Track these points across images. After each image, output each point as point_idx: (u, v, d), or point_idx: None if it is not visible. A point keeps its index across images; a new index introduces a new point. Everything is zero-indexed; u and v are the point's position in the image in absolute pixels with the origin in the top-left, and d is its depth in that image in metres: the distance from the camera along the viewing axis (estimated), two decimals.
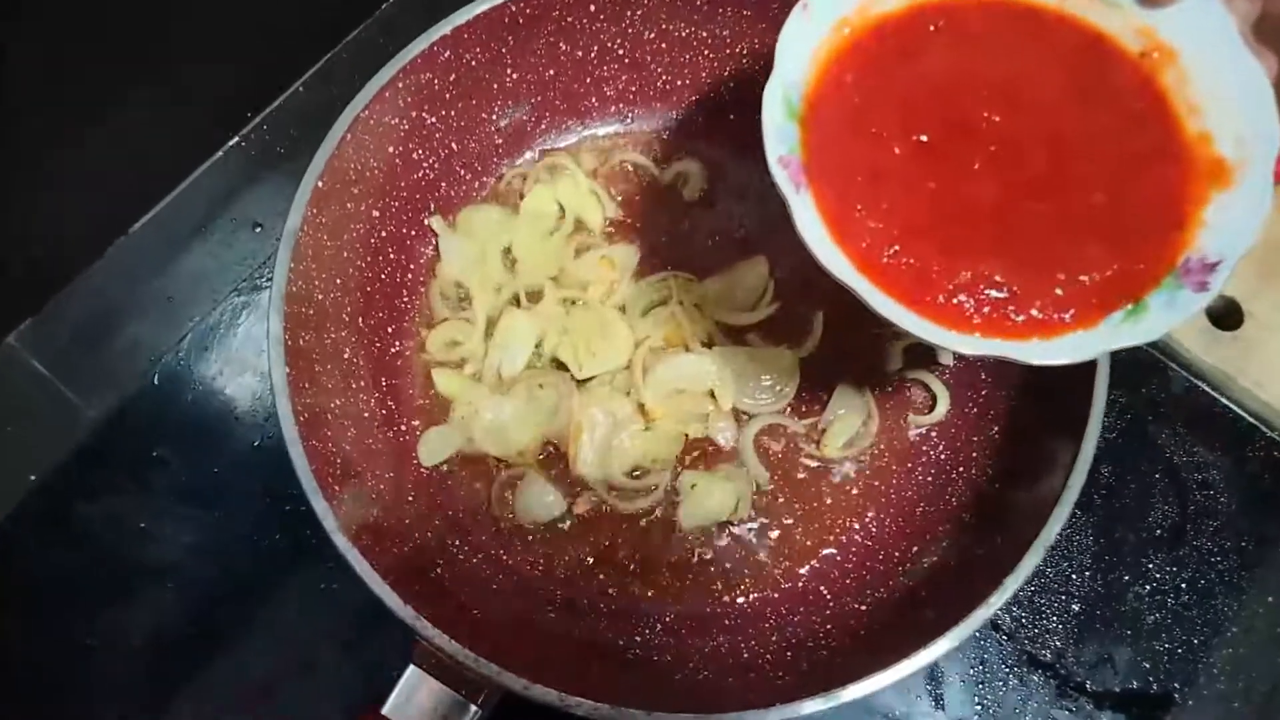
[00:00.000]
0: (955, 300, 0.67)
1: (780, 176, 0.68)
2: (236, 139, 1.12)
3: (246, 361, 1.04)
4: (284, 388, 0.75)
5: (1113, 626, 0.96)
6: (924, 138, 0.70)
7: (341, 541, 0.72)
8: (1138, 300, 0.66)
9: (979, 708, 0.94)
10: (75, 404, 1.02)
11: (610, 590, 0.89)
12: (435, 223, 0.98)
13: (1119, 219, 0.68)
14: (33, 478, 0.99)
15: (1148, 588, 0.97)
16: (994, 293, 0.67)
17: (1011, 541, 0.76)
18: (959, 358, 0.95)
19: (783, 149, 0.69)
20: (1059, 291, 0.67)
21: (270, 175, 1.12)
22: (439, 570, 0.82)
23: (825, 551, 0.91)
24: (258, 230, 1.10)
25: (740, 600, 0.89)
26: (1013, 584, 0.72)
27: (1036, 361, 0.65)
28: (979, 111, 0.71)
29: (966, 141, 0.70)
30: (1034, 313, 0.66)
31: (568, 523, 0.92)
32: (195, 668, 0.93)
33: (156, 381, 1.03)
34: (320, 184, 0.81)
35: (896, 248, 0.68)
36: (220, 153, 1.12)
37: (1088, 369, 0.78)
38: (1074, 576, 0.97)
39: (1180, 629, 0.96)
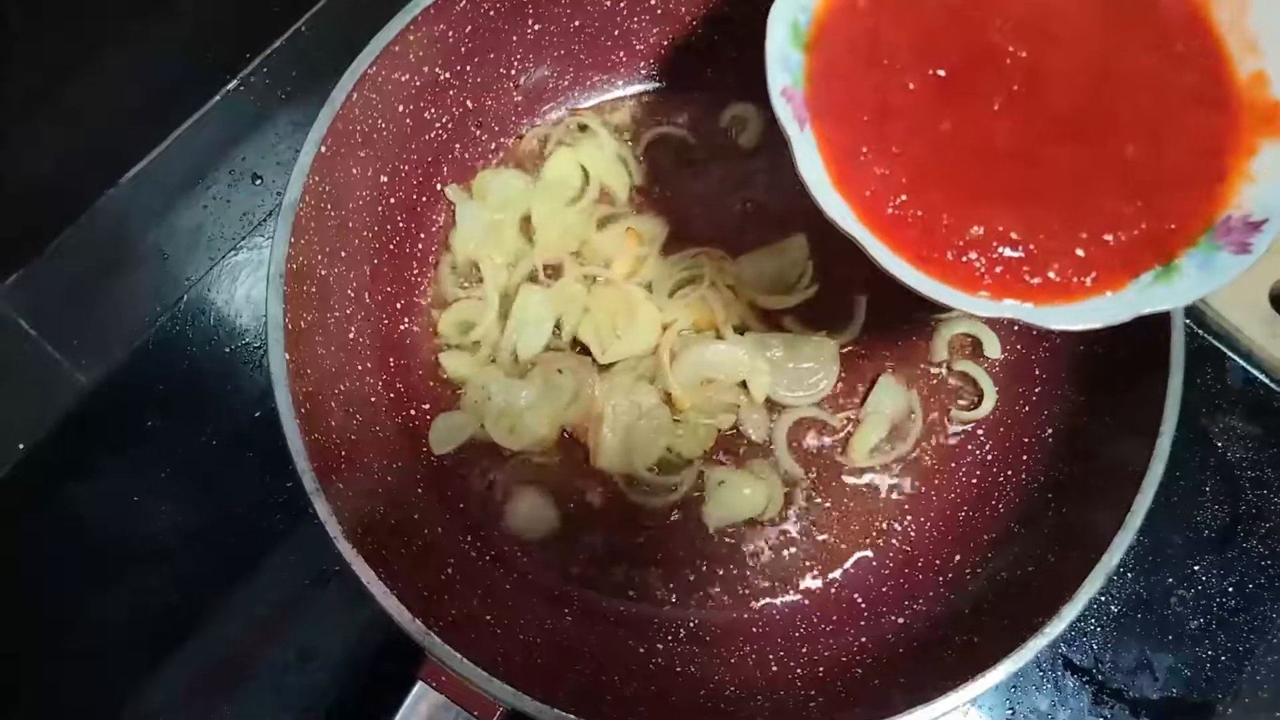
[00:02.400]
0: (965, 258, 0.61)
1: (783, 111, 0.62)
2: (234, 83, 1.05)
3: (246, 326, 0.98)
4: (284, 378, 0.70)
5: (1153, 631, 0.92)
6: (941, 72, 0.64)
7: (346, 549, 0.67)
8: (1170, 260, 0.61)
9: (1009, 712, 0.90)
10: (65, 368, 0.97)
11: (630, 593, 0.84)
12: (452, 191, 0.91)
13: (1152, 172, 0.62)
14: (21, 446, 0.94)
15: (1192, 591, 0.93)
16: (1008, 251, 0.61)
17: (1068, 562, 0.71)
18: (1009, 350, 0.88)
19: (786, 79, 0.63)
20: (1080, 252, 0.61)
21: (271, 122, 1.04)
22: (450, 571, 0.77)
23: (860, 555, 0.86)
24: (258, 183, 1.03)
25: (768, 605, 0.84)
26: (1071, 612, 0.67)
27: (1056, 326, 0.60)
28: (1004, 45, 0.64)
29: (988, 78, 0.64)
30: (1051, 275, 0.61)
31: (585, 520, 0.86)
32: (185, 652, 0.90)
33: (151, 346, 0.97)
34: (323, 149, 0.74)
35: (904, 197, 0.62)
36: (217, 97, 1.04)
37: (1159, 365, 0.72)
38: (1114, 577, 0.92)
39: (1225, 635, 0.92)
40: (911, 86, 0.63)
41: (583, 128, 0.95)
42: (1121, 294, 0.61)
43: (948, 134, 0.63)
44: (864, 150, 0.62)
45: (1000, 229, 0.61)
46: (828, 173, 0.62)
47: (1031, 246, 0.61)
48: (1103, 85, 0.63)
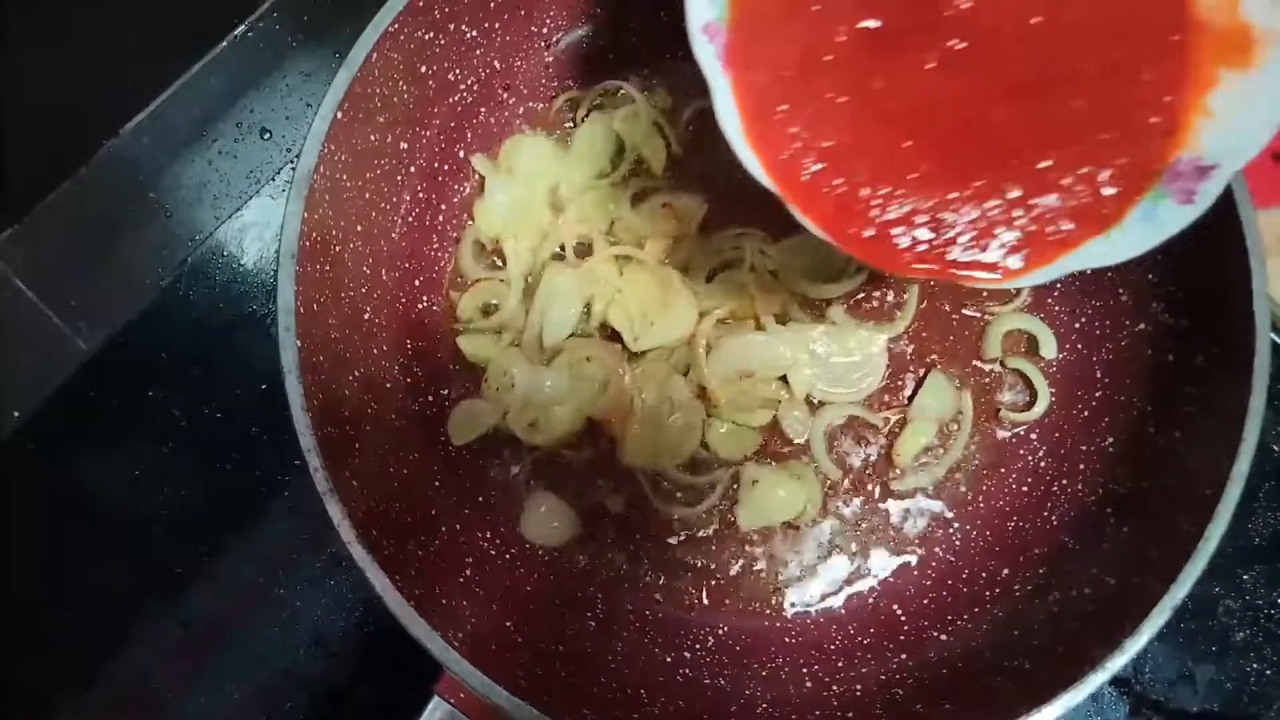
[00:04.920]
0: (884, 234, 0.57)
1: (704, 51, 0.57)
2: (243, 27, 0.98)
3: (254, 292, 0.94)
4: (295, 368, 0.65)
5: (1197, 641, 0.89)
6: (874, 24, 0.57)
7: (360, 553, 0.63)
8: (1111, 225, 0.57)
9: None
10: (64, 332, 0.93)
11: (657, 596, 0.80)
12: (478, 160, 0.85)
13: (1101, 125, 0.57)
14: (15, 414, 0.89)
15: (1240, 602, 0.90)
16: (927, 234, 0.57)
17: (1129, 589, 0.67)
18: (1067, 350, 0.83)
19: (710, 14, 0.57)
20: (1015, 235, 0.57)
21: (281, 72, 0.99)
22: (469, 573, 0.73)
23: (901, 562, 0.82)
24: (266, 138, 0.98)
25: (802, 614, 0.80)
26: (1133, 646, 0.63)
27: (982, 286, 0.60)
28: None
29: (925, 30, 0.58)
30: (980, 257, 0.57)
31: (611, 519, 0.82)
32: (186, 629, 0.87)
33: (153, 310, 0.93)
34: (340, 115, 0.69)
35: (821, 165, 0.57)
36: (224, 43, 0.98)
37: (1239, 379, 0.66)
38: None
39: (1271, 648, 0.89)
40: (841, 38, 0.57)
41: (618, 93, 0.88)
42: (1055, 263, 0.57)
43: (878, 93, 0.57)
44: (780, 108, 0.57)
45: (926, 206, 0.57)
46: (745, 130, 0.57)
47: (957, 230, 0.57)
48: (1052, 27, 0.57)
